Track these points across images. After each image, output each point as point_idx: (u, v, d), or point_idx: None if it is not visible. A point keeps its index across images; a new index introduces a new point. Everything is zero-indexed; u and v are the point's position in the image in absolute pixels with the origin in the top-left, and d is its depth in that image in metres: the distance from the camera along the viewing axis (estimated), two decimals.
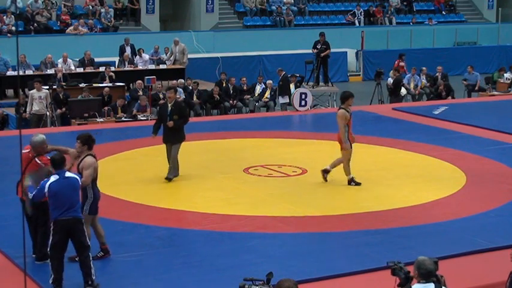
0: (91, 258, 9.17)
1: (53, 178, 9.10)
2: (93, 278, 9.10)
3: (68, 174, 9.19)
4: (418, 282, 6.90)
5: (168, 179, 13.89)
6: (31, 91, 20.59)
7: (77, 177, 9.30)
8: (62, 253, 9.18)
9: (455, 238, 11.27)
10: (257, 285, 6.49)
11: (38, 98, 20.28)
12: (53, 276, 9.12)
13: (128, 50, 26.55)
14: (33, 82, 20.83)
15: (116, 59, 26.40)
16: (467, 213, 12.53)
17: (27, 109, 20.42)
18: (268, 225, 11.80)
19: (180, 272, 9.89)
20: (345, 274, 9.87)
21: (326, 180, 13.96)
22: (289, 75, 23.92)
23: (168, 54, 26.95)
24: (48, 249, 9.15)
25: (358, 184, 13.80)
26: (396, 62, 27.56)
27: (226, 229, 11.59)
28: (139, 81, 22.96)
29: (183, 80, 24.24)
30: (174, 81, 23.58)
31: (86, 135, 10.10)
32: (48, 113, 20.36)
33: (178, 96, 15.30)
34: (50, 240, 9.11)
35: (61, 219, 9.00)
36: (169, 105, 13.92)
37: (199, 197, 13.28)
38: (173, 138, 13.91)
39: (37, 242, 9.94)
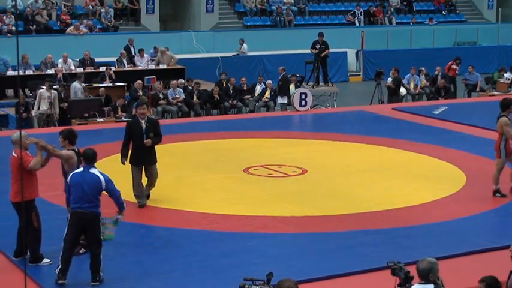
0: (101, 255, 9.32)
1: (78, 170, 9.33)
2: (101, 274, 9.30)
3: (92, 170, 9.30)
4: (419, 282, 6.92)
5: (142, 206, 12.50)
6: (40, 90, 20.73)
7: (101, 178, 9.27)
8: (74, 246, 9.46)
9: (455, 238, 11.28)
10: (257, 285, 6.49)
11: (47, 98, 20.44)
12: (60, 266, 9.29)
13: (133, 50, 26.50)
14: (45, 82, 21.13)
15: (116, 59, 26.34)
16: (467, 213, 12.53)
17: (35, 107, 20.56)
18: (268, 225, 11.81)
19: (180, 272, 9.90)
20: (345, 274, 9.89)
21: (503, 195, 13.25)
22: (289, 75, 23.90)
23: (155, 62, 26.55)
24: (62, 240, 9.30)
25: (503, 196, 13.17)
26: (450, 63, 26.87)
27: (226, 229, 11.60)
28: (139, 81, 22.95)
29: (183, 80, 24.23)
30: (174, 81, 23.56)
31: (67, 130, 10.40)
32: (52, 113, 20.50)
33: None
34: (65, 232, 9.29)
35: (78, 211, 9.16)
36: (142, 122, 12.42)
37: (199, 197, 13.28)
38: (149, 158, 12.47)
39: (23, 243, 10.02)
